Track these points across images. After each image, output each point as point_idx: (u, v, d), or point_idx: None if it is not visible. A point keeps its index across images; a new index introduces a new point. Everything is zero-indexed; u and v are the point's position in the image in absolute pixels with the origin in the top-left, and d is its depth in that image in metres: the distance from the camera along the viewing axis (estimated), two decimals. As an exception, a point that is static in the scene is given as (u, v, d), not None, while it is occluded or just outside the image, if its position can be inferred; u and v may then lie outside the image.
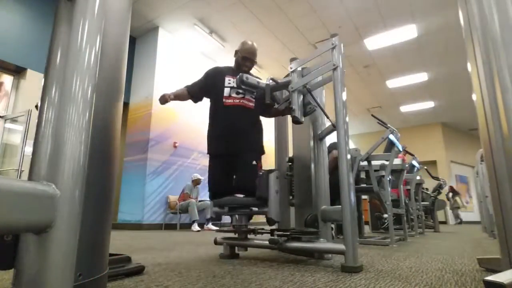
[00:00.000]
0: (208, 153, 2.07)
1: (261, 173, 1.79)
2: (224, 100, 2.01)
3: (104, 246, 0.94)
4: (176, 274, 1.34)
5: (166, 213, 5.78)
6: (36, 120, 0.76)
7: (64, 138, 0.65)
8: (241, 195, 1.86)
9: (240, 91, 2.02)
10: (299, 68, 1.90)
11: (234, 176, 1.99)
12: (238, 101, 2.02)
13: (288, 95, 1.91)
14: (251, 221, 1.98)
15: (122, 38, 1.06)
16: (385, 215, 5.04)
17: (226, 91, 2.03)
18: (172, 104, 2.11)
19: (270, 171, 1.79)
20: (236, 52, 2.16)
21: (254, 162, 1.95)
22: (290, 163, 2.24)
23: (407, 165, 3.52)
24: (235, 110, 2.00)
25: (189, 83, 2.20)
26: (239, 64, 2.13)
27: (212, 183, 2.01)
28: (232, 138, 1.97)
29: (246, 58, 2.10)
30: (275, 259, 1.86)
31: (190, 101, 2.22)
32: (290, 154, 2.30)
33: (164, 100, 2.06)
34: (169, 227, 5.75)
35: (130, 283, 1.17)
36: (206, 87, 2.14)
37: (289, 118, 2.21)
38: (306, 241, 1.73)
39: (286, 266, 1.58)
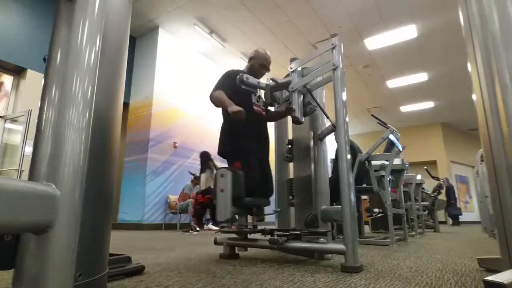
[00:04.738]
0: (235, 153, 1.97)
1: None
2: (253, 107, 2.07)
3: (104, 246, 0.94)
4: (176, 274, 1.34)
5: (166, 213, 5.78)
6: (36, 120, 0.76)
7: (64, 138, 0.65)
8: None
9: (258, 99, 2.11)
10: (299, 68, 1.90)
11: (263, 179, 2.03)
12: (260, 109, 2.12)
13: (288, 95, 1.91)
14: (258, 221, 2.04)
15: (122, 38, 1.06)
16: (375, 210, 5.09)
17: (254, 98, 2.10)
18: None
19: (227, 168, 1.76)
20: (251, 59, 2.18)
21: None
22: (289, 146, 2.29)
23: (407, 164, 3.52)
24: (260, 117, 2.12)
25: (217, 87, 2.04)
26: (254, 71, 2.13)
27: (257, 181, 1.89)
28: (262, 143, 2.09)
29: (263, 66, 2.15)
30: (275, 259, 1.86)
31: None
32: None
33: (242, 117, 1.83)
34: (169, 227, 5.75)
35: (130, 283, 1.17)
36: (236, 91, 1.99)
37: (289, 118, 2.22)
38: (306, 241, 1.73)
39: (286, 266, 1.58)
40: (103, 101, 0.93)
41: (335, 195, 1.90)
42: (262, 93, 2.03)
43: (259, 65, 2.14)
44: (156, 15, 6.03)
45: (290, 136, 2.42)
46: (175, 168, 6.17)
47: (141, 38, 6.68)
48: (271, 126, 2.60)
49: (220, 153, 2.04)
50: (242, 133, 1.99)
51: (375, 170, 2.99)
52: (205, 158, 5.16)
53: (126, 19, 1.09)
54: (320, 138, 2.07)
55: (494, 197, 1.14)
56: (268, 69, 2.19)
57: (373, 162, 2.96)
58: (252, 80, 1.85)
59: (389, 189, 2.99)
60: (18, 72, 4.92)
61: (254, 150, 2.00)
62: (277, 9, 5.66)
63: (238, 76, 1.84)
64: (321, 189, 1.95)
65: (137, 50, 6.68)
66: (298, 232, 1.76)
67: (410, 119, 11.21)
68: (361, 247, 2.59)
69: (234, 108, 1.82)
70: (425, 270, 1.47)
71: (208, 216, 5.96)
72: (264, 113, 2.16)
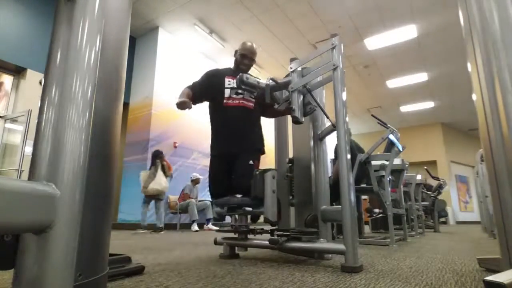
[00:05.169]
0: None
1: (256, 173, 1.75)
2: (225, 101, 2.03)
3: (104, 246, 0.94)
4: (176, 274, 1.34)
5: (166, 213, 5.77)
6: (36, 120, 0.76)
7: (64, 138, 0.65)
8: (239, 195, 1.86)
9: (240, 91, 2.03)
10: (299, 68, 1.90)
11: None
12: (238, 101, 2.04)
13: (288, 95, 1.90)
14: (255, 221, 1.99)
15: (122, 38, 1.06)
16: (376, 210, 5.11)
17: (227, 92, 2.05)
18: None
19: (266, 170, 1.73)
20: (236, 52, 2.18)
21: (250, 162, 1.94)
22: (290, 164, 2.24)
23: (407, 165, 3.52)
24: (235, 110, 2.02)
25: (189, 83, 2.14)
26: (237, 63, 2.14)
27: (212, 183, 2.03)
28: (232, 138, 1.99)
29: (244, 56, 2.11)
30: (275, 259, 1.86)
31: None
32: (290, 154, 2.30)
33: (185, 107, 1.94)
34: (169, 227, 5.74)
35: (130, 283, 1.17)
36: (207, 88, 2.10)
37: (289, 118, 2.21)
38: (306, 241, 1.73)
39: (286, 266, 1.58)
40: (103, 101, 0.93)
41: (335, 196, 1.91)
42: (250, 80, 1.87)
43: (239, 55, 2.12)
44: (156, 15, 6.03)
45: (290, 137, 2.42)
46: (175, 168, 6.16)
47: (141, 38, 6.68)
48: (270, 126, 2.62)
49: None
50: (213, 133, 2.09)
51: (375, 170, 2.98)
52: (153, 156, 5.24)
53: (126, 19, 1.09)
54: (320, 138, 2.07)
55: (494, 197, 1.14)
56: (250, 59, 2.12)
57: (373, 162, 2.96)
58: (252, 80, 1.85)
59: (389, 189, 2.99)
60: (18, 72, 4.92)
61: (221, 146, 2.03)
62: (277, 9, 5.66)
63: (238, 76, 1.84)
64: (321, 189, 1.95)
65: (137, 50, 6.68)
66: (288, 233, 1.76)
67: (410, 119, 11.21)
68: (361, 247, 2.59)
69: (177, 101, 1.95)
70: (425, 270, 1.47)
71: (208, 216, 5.95)
72: (249, 104, 2.05)
